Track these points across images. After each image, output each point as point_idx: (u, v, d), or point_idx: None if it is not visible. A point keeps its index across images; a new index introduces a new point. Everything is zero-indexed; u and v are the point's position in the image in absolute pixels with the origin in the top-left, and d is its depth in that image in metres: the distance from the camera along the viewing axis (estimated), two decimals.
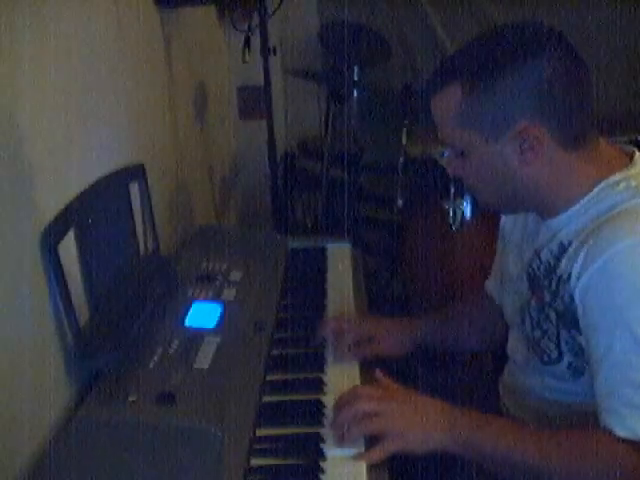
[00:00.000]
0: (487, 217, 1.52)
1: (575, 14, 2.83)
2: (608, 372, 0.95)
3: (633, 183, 0.99)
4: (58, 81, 1.14)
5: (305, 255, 1.75)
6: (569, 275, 1.00)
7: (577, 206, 1.03)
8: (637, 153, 1.06)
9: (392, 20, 3.05)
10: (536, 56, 0.97)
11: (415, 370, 1.51)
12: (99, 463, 0.95)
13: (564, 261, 1.02)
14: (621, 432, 0.93)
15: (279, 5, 2.15)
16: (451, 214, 2.04)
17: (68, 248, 1.11)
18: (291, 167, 3.03)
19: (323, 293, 1.55)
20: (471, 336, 1.40)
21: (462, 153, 1.06)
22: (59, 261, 1.05)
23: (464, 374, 1.56)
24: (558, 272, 1.03)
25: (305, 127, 3.20)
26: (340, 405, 1.07)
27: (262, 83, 2.12)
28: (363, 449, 1.03)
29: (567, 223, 1.04)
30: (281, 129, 3.00)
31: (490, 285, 1.37)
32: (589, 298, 0.97)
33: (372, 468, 1.01)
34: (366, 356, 1.30)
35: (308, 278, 1.62)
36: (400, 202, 2.35)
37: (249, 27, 2.16)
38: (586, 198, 1.02)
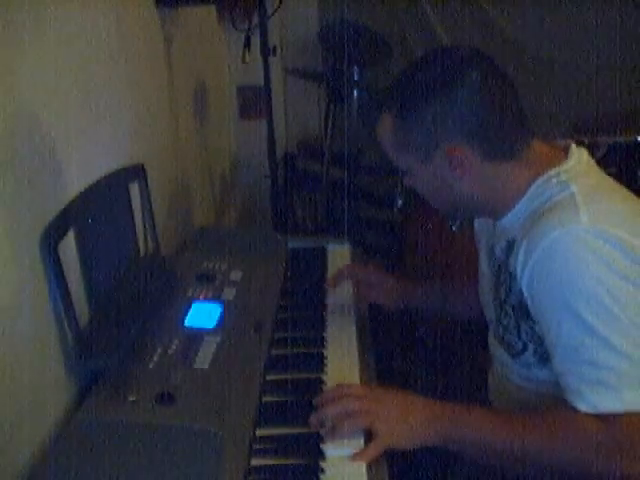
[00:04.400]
0: None
1: (575, 13, 2.83)
2: (562, 354, 1.02)
3: (563, 177, 1.06)
4: (58, 81, 1.14)
5: (305, 255, 1.75)
6: (515, 269, 1.06)
7: (518, 205, 1.11)
8: (572, 147, 1.12)
9: (392, 20, 3.05)
10: (454, 84, 1.06)
11: (413, 369, 1.53)
12: (99, 463, 0.95)
13: (512, 258, 1.09)
14: (582, 407, 0.99)
15: (279, 5, 2.14)
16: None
17: (68, 248, 1.11)
18: (291, 167, 3.02)
19: (323, 293, 1.55)
20: (466, 303, 1.47)
21: (405, 172, 1.18)
22: (59, 261, 1.05)
23: (462, 373, 1.56)
24: (509, 269, 1.10)
25: (305, 127, 3.19)
26: (325, 401, 1.11)
27: (262, 83, 2.12)
28: (362, 439, 1.06)
29: (512, 221, 1.12)
30: (281, 129, 3.00)
31: None
32: (534, 288, 1.03)
33: (372, 467, 1.02)
34: (360, 296, 1.50)
35: (308, 278, 1.63)
36: (400, 202, 2.35)
37: (249, 27, 2.16)
38: (525, 197, 1.10)
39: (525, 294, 1.05)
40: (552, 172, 1.08)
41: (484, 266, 1.26)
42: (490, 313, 1.23)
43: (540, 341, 1.09)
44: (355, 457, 1.03)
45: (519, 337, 1.13)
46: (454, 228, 2.06)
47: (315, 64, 3.11)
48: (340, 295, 1.54)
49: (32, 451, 0.99)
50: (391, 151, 1.16)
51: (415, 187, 1.20)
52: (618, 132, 2.29)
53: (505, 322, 1.15)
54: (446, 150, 1.08)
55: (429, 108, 1.07)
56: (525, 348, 1.13)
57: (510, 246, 1.11)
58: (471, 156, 1.08)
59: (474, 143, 1.07)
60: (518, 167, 1.10)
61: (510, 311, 1.12)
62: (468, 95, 1.05)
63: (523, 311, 1.09)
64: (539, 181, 1.08)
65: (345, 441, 1.05)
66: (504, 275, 1.12)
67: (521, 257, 1.04)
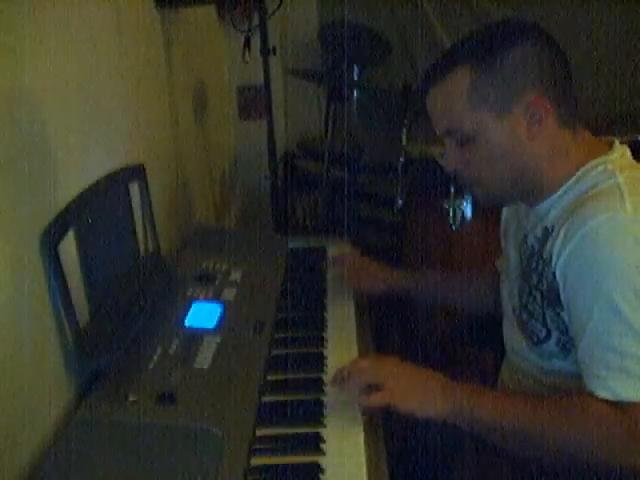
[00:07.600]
0: (487, 217, 1.52)
1: (574, 13, 2.83)
2: (589, 339, 1.01)
3: (609, 167, 1.06)
4: (58, 81, 1.14)
5: (305, 255, 1.75)
6: (551, 255, 1.06)
7: (559, 191, 1.10)
8: (616, 142, 1.12)
9: (392, 20, 3.05)
10: (532, 38, 1.06)
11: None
12: (99, 463, 0.95)
13: (548, 244, 1.08)
14: (601, 393, 0.99)
15: (279, 5, 2.14)
16: (451, 214, 2.05)
17: (68, 248, 1.11)
18: (291, 167, 3.03)
19: (323, 293, 1.55)
20: (466, 295, 1.49)
21: (467, 140, 1.10)
22: (59, 261, 1.05)
23: (465, 373, 1.56)
24: (543, 255, 1.10)
25: (305, 127, 3.19)
26: (342, 375, 1.14)
27: (262, 83, 2.12)
28: (362, 439, 1.07)
29: (550, 208, 1.11)
30: (281, 129, 3.00)
31: (499, 264, 1.41)
32: (569, 273, 1.03)
33: (372, 467, 1.01)
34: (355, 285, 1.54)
35: (308, 278, 1.63)
36: (400, 202, 2.34)
37: (249, 27, 2.16)
38: (568, 183, 1.09)
39: (558, 278, 1.05)
40: (599, 160, 1.08)
41: (511, 253, 1.25)
42: (513, 301, 1.22)
43: (565, 329, 1.09)
44: (358, 401, 1.09)
45: (544, 324, 1.12)
46: (454, 228, 2.06)
47: (315, 64, 3.11)
48: (340, 295, 1.54)
49: (32, 451, 0.99)
50: (459, 111, 1.08)
51: (465, 165, 1.12)
52: (618, 132, 2.29)
53: (531, 308, 1.14)
54: (531, 100, 1.05)
55: (512, 54, 1.04)
56: (549, 336, 1.13)
57: (547, 233, 1.10)
58: (550, 111, 1.06)
59: (553, 97, 1.06)
60: (576, 143, 1.10)
61: (538, 297, 1.12)
62: (546, 51, 1.06)
63: (552, 297, 1.08)
64: (584, 168, 1.08)
65: (345, 439, 1.05)
66: (536, 261, 1.12)
67: (559, 241, 1.03)
